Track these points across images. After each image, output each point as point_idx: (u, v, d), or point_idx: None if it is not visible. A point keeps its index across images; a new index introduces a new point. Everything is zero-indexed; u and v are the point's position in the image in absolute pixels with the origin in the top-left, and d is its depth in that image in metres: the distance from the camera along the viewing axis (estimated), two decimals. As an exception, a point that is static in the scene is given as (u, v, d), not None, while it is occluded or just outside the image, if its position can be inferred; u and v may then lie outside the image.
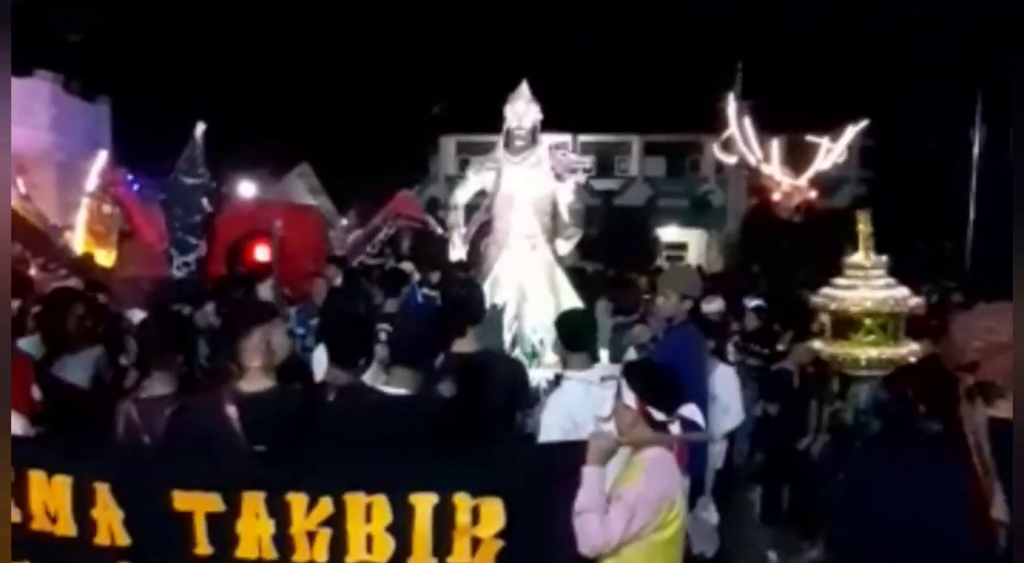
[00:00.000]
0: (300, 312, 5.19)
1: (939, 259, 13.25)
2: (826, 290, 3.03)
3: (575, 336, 2.83)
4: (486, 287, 6.64)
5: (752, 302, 6.93)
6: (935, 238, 13.46)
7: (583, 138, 24.85)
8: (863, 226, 3.13)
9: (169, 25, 20.40)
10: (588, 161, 6.83)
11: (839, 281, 3.04)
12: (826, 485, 3.00)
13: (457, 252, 6.68)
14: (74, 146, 13.22)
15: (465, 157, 30.58)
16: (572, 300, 6.51)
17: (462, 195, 6.89)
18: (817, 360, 4.72)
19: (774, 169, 12.41)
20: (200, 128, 4.46)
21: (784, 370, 4.67)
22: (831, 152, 11.90)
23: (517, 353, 6.54)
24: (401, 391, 2.24)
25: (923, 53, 17.84)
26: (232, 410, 2.26)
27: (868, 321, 2.90)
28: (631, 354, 3.91)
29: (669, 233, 27.70)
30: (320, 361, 3.77)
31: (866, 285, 2.98)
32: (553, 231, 6.72)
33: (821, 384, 4.48)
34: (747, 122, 13.17)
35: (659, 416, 2.24)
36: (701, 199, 28.16)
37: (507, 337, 6.63)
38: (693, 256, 27.98)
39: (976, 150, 12.45)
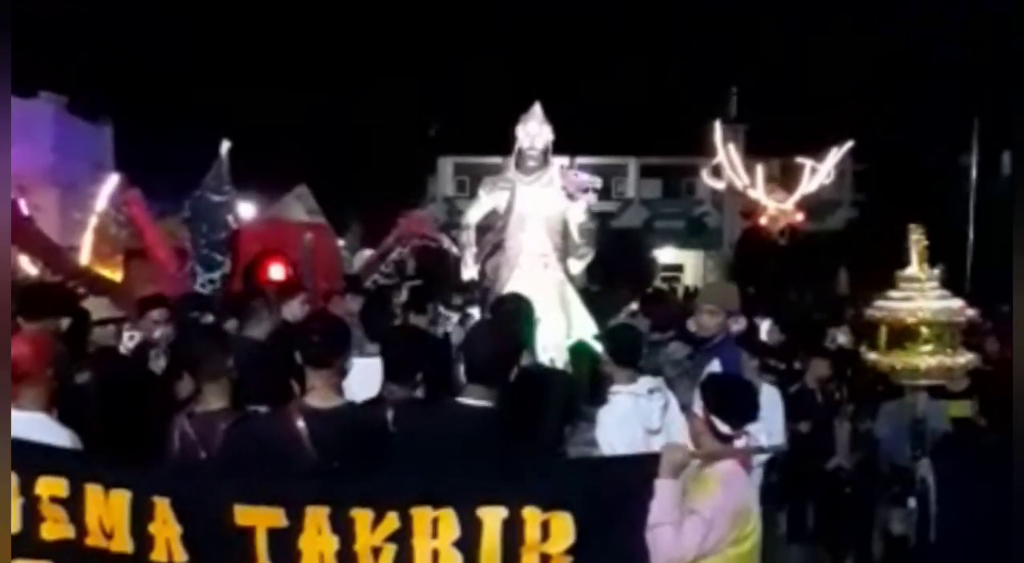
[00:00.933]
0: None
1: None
2: (881, 302, 3.06)
3: (624, 350, 2.82)
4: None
5: (764, 321, 6.95)
6: (931, 259, 13.59)
7: (580, 160, 25.01)
8: (917, 239, 3.17)
9: (172, 48, 20.55)
10: (599, 181, 6.86)
11: (894, 293, 3.07)
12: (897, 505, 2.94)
13: (469, 272, 6.69)
14: (77, 167, 13.26)
15: (463, 178, 30.81)
16: (584, 319, 6.52)
17: (474, 215, 6.90)
18: (832, 377, 4.74)
19: (759, 193, 12.56)
20: (225, 146, 4.49)
21: (807, 388, 4.68)
22: (816, 174, 12.04)
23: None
24: (475, 402, 2.21)
25: (915, 74, 18.16)
26: (302, 425, 2.24)
27: (925, 331, 2.93)
28: (668, 372, 3.90)
29: (666, 254, 27.85)
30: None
31: (922, 296, 3.01)
32: (565, 250, 6.75)
33: (841, 402, 4.49)
34: (732, 148, 13.37)
35: (726, 430, 2.23)
36: (697, 221, 28.39)
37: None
38: (689, 277, 28.12)
39: (973, 172, 12.63)
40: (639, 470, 2.13)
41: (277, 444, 2.24)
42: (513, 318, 3.27)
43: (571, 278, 6.73)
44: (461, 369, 2.72)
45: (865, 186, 19.78)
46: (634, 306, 8.07)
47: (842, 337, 6.01)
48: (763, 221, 12.25)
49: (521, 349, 2.53)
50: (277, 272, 5.51)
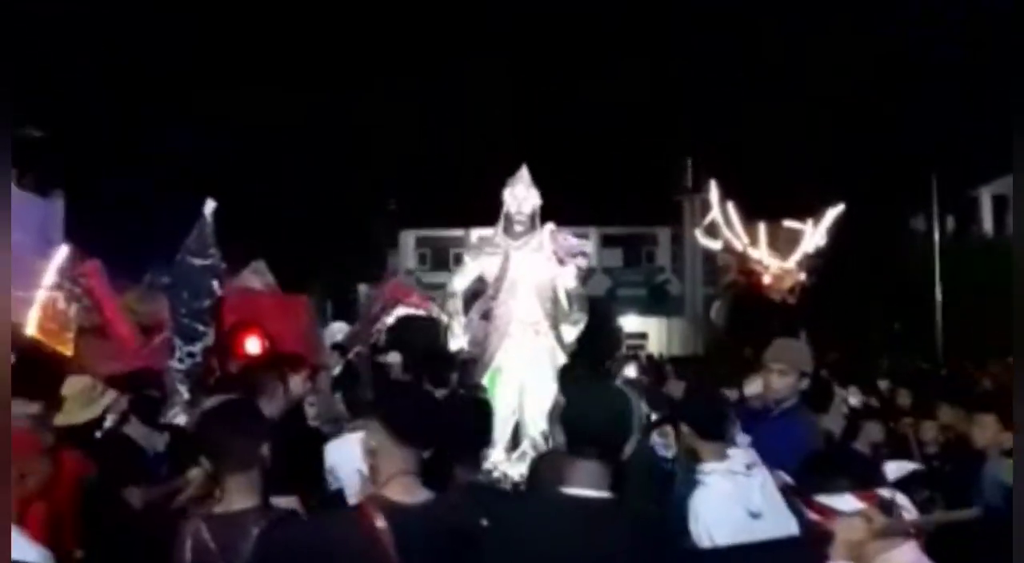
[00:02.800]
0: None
1: (894, 337, 13.46)
2: None
3: (710, 421, 2.41)
4: (487, 377, 6.30)
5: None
6: (896, 317, 13.79)
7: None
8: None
9: (123, 122, 20.24)
10: (589, 245, 6.67)
11: None
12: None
13: (457, 341, 6.35)
14: (25, 241, 12.58)
15: (424, 251, 30.67)
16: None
17: (460, 282, 6.63)
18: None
19: (762, 253, 12.65)
20: (210, 206, 4.12)
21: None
22: (815, 235, 12.27)
23: (524, 447, 6.13)
24: (593, 493, 1.78)
25: (867, 141, 18.94)
26: (382, 525, 1.79)
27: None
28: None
29: (629, 322, 27.86)
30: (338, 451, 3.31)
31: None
32: (555, 317, 6.48)
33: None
34: (731, 207, 13.49)
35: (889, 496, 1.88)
36: (659, 288, 28.60)
37: (507, 430, 6.23)
38: (654, 345, 28.13)
39: (936, 234, 13.00)
40: (805, 556, 1.78)
41: (347, 551, 1.75)
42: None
43: (563, 346, 6.45)
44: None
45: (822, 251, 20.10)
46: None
47: (853, 398, 5.79)
48: (767, 280, 12.29)
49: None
50: (253, 346, 5.07)
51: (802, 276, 11.81)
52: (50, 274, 10.17)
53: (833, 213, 12.47)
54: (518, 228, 6.48)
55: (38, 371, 3.21)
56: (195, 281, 3.87)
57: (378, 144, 28.63)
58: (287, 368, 3.30)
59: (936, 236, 12.83)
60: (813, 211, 12.64)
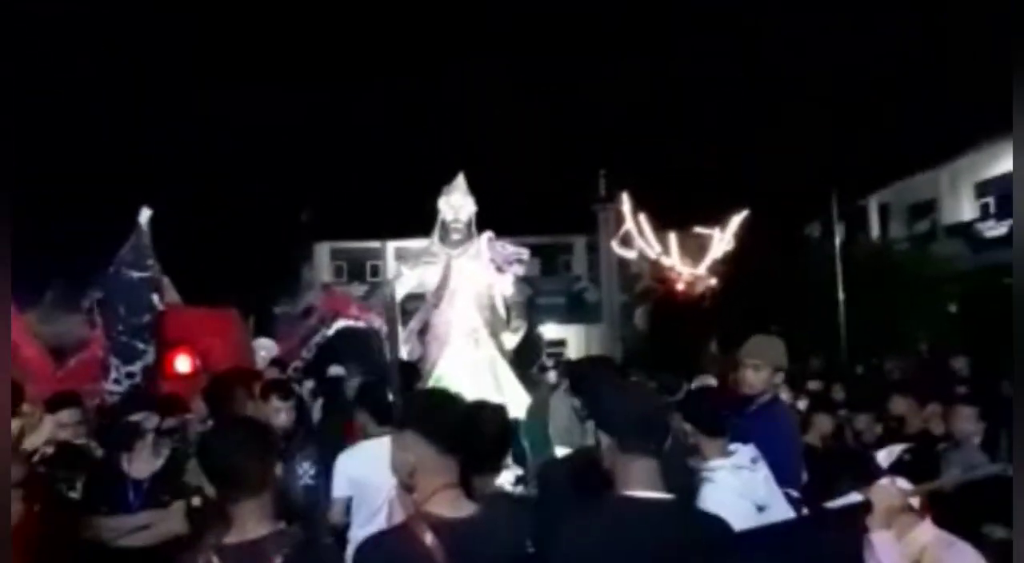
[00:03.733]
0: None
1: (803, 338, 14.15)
2: None
3: (710, 417, 2.41)
4: (429, 386, 6.21)
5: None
6: (802, 319, 14.51)
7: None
8: None
9: (31, 127, 18.87)
10: (526, 252, 6.72)
11: None
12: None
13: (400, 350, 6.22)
14: None
15: (340, 263, 29.96)
16: (519, 395, 6.21)
17: (399, 291, 6.52)
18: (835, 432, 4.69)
19: (674, 260, 13.05)
20: (145, 214, 3.83)
21: (810, 445, 4.54)
22: (722, 241, 12.80)
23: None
24: (658, 495, 1.68)
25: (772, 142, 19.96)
26: (432, 541, 1.64)
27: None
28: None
29: (549, 330, 28.09)
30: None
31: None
32: (494, 325, 6.48)
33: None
34: (643, 218, 13.86)
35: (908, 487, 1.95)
36: (576, 296, 29.07)
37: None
38: (573, 351, 28.57)
39: (837, 239, 13.86)
40: (846, 525, 1.77)
41: None
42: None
43: (503, 354, 6.45)
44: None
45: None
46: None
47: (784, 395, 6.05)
48: (680, 287, 12.67)
49: None
50: (184, 364, 4.80)
51: (712, 281, 12.31)
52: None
53: (738, 219, 13.07)
54: (455, 236, 6.46)
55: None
56: (132, 295, 3.59)
57: (291, 153, 27.88)
58: (244, 385, 3.12)
59: (836, 241, 13.70)
60: (719, 219, 13.22)
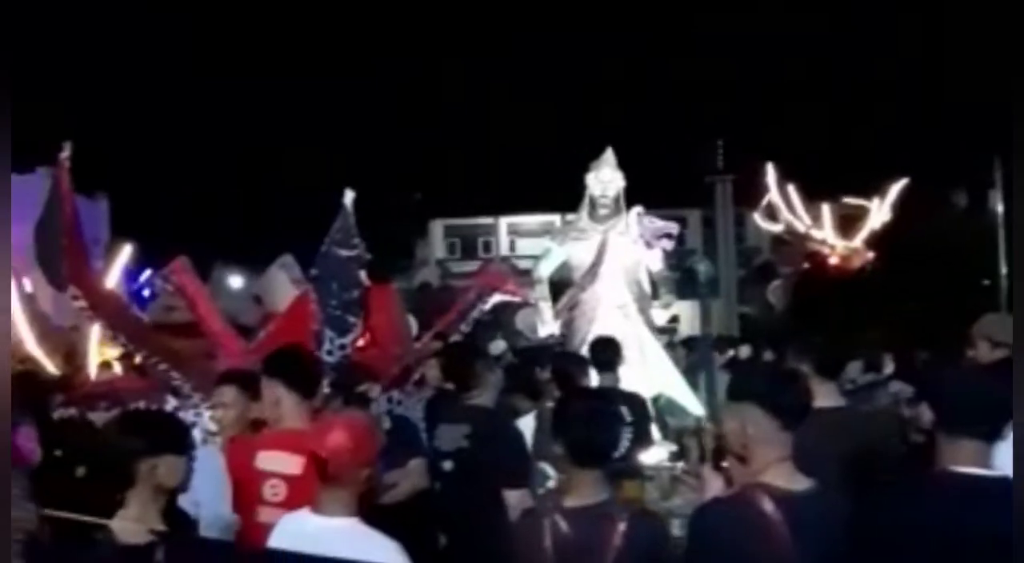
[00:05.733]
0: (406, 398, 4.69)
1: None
2: None
3: (830, 360, 2.37)
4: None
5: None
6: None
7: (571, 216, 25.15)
8: None
9: (164, 124, 20.37)
10: (675, 227, 6.59)
11: None
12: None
13: (546, 328, 6.29)
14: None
15: (453, 240, 30.62)
16: (668, 373, 6.14)
17: (546, 267, 6.58)
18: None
19: (827, 233, 12.42)
20: (349, 196, 4.07)
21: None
22: (881, 211, 12.06)
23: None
24: (982, 472, 1.70)
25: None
26: (773, 512, 1.69)
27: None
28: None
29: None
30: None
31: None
32: (642, 300, 6.41)
33: None
34: (791, 189, 13.23)
35: None
36: (690, 271, 28.24)
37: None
38: (686, 328, 27.93)
39: (1000, 207, 12.72)
40: None
41: (739, 536, 1.71)
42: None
43: (653, 329, 6.37)
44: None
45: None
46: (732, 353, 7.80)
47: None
48: (833, 261, 12.10)
49: None
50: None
51: (870, 254, 11.60)
52: (114, 273, 10.24)
53: (897, 188, 12.22)
54: (603, 211, 6.41)
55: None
56: (343, 272, 3.84)
57: (402, 132, 28.59)
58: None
59: (999, 209, 12.58)
60: (869, 189, 12.43)
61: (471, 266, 28.72)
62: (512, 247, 28.76)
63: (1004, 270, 12.05)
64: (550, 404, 3.23)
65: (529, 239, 29.39)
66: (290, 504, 2.33)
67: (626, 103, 27.13)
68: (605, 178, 6.36)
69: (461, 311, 5.52)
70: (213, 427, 4.19)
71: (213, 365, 4.96)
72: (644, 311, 6.34)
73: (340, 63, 28.43)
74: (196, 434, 4.05)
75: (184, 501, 2.34)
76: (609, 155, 6.45)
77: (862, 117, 21.03)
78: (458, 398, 3.25)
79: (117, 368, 8.15)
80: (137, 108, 20.65)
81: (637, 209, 6.37)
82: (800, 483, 1.81)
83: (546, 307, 6.33)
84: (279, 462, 2.36)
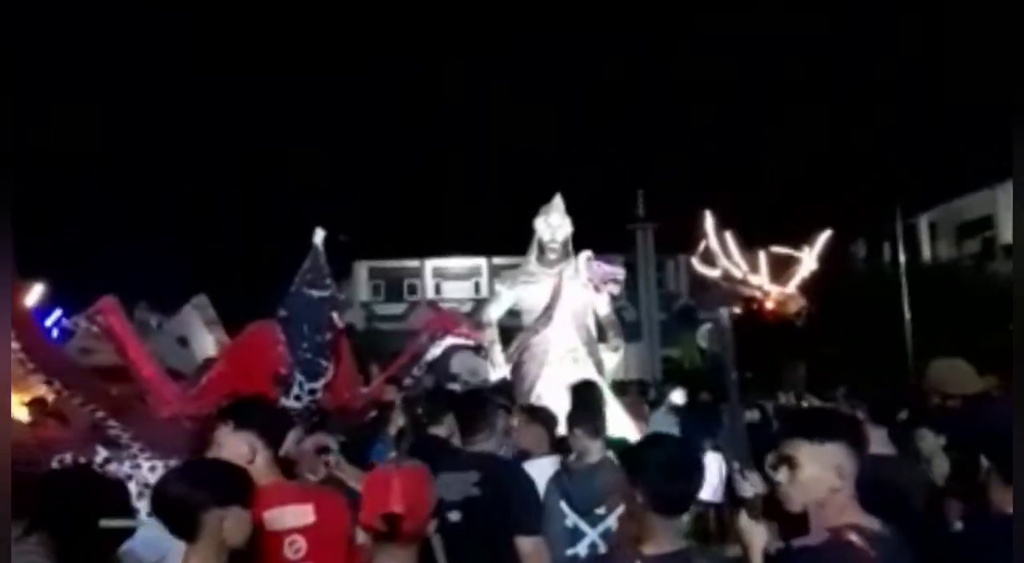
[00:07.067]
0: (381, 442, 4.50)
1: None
2: None
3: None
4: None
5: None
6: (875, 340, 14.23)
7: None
8: None
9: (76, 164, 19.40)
10: (622, 272, 6.73)
11: None
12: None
13: (499, 371, 6.24)
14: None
15: (378, 282, 30.19)
16: (619, 415, 6.18)
17: (495, 311, 6.57)
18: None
19: (763, 279, 12.92)
20: (320, 235, 3.92)
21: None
22: (810, 260, 12.71)
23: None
24: None
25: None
26: (870, 551, 1.69)
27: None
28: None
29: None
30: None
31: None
32: (591, 344, 6.48)
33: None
34: (729, 236, 13.72)
35: None
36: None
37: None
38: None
39: (902, 257, 13.68)
40: None
41: None
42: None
43: (602, 373, 6.43)
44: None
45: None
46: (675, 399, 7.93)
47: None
48: (769, 306, 12.55)
49: None
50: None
51: (803, 301, 12.16)
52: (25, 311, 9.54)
53: (823, 238, 12.96)
54: (552, 256, 6.48)
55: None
56: (314, 313, 3.67)
57: (329, 173, 28.24)
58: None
59: (901, 259, 13.56)
60: (796, 238, 13.15)
61: (396, 309, 28.43)
62: (438, 290, 28.63)
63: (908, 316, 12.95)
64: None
65: (455, 282, 29.40)
66: (314, 557, 2.22)
67: (549, 153, 27.82)
68: (554, 223, 6.45)
69: (414, 354, 5.40)
70: (151, 479, 3.90)
71: (151, 412, 4.65)
72: (593, 354, 6.41)
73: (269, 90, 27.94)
74: (131, 488, 3.77)
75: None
76: (558, 200, 6.57)
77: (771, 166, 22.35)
78: (444, 444, 3.13)
79: (21, 415, 7.51)
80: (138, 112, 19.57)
81: (586, 253, 6.48)
82: (875, 523, 1.83)
83: (496, 351, 6.30)
84: (292, 517, 2.19)
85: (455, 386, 5.67)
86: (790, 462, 1.89)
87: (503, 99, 29.08)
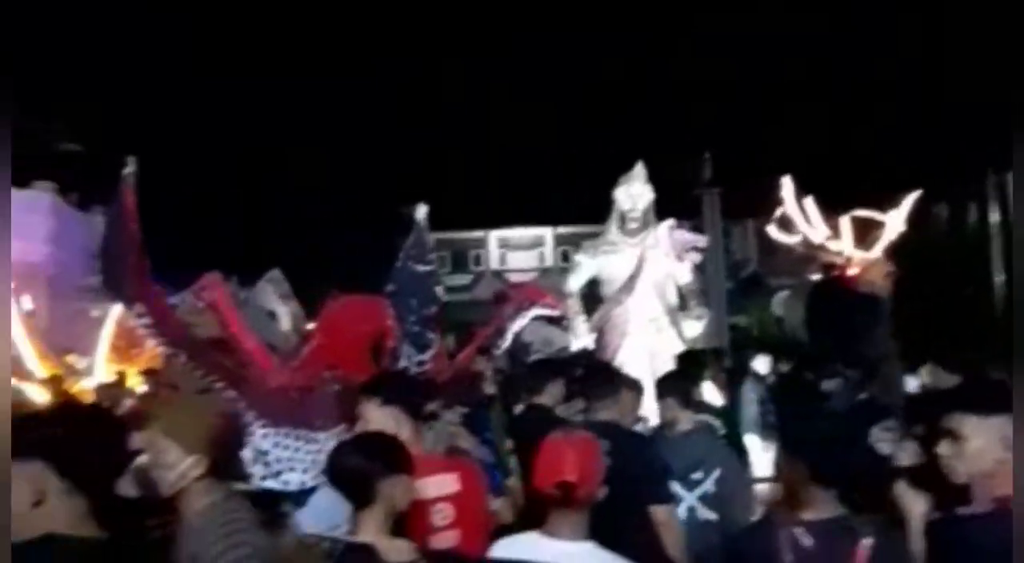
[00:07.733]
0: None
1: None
2: None
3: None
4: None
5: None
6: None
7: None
8: None
9: (161, 134, 20.10)
10: (703, 239, 6.67)
11: None
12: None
13: (579, 341, 6.31)
14: (67, 259, 12.43)
15: (443, 254, 30.50)
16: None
17: (576, 281, 6.61)
18: None
19: (846, 244, 12.51)
20: (422, 210, 4.06)
21: None
22: (897, 222, 12.24)
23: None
24: None
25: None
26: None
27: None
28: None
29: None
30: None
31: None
32: (673, 312, 6.47)
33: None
34: (809, 201, 13.29)
35: None
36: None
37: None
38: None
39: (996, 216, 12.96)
40: None
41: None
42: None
43: (685, 341, 6.41)
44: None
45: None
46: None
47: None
48: (852, 272, 12.19)
49: None
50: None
51: (890, 266, 11.71)
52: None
53: (911, 199, 12.38)
54: (632, 225, 6.47)
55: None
56: (421, 288, 3.81)
57: (394, 144, 28.53)
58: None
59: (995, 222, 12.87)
60: (877, 200, 12.57)
61: (463, 280, 28.73)
62: (503, 260, 28.79)
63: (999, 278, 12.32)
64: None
65: (519, 252, 29.49)
66: (460, 524, 2.35)
67: (619, 113, 27.33)
68: (635, 192, 6.42)
69: (500, 325, 5.51)
70: (265, 446, 4.13)
71: (259, 382, 4.89)
72: (675, 324, 6.40)
73: (343, 63, 28.31)
74: (247, 454, 3.99)
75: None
76: (639, 169, 6.53)
77: (862, 124, 21.46)
78: (548, 413, 3.19)
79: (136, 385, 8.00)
80: (144, 113, 20.39)
81: (668, 222, 6.44)
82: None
83: (579, 321, 6.36)
84: (439, 486, 2.34)
85: (533, 356, 5.77)
86: (953, 435, 1.91)
87: (503, 99, 28.58)
